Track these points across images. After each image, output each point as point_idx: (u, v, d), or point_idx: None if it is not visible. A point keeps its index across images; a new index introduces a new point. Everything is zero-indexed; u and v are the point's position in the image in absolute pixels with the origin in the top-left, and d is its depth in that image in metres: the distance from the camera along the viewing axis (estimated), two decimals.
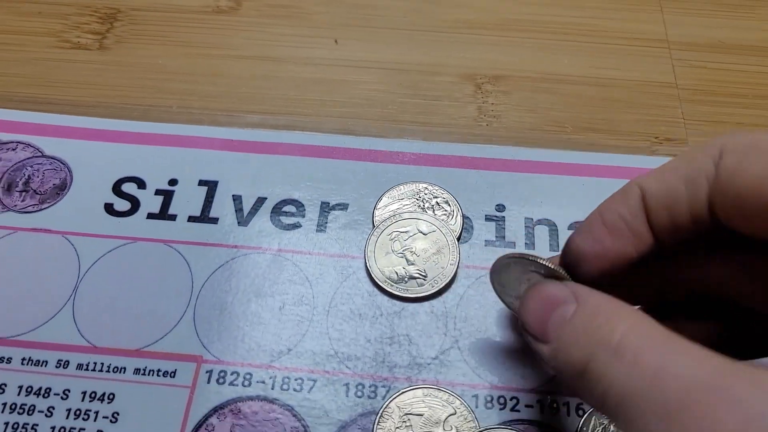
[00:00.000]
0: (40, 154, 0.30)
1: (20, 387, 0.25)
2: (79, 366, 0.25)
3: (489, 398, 0.25)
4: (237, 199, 0.29)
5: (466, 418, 0.24)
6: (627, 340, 0.16)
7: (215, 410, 0.24)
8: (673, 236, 0.20)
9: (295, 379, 0.25)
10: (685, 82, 0.34)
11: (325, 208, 0.29)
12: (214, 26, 0.35)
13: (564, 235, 0.28)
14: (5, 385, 0.25)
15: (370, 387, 0.25)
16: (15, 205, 0.29)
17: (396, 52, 0.35)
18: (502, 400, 0.25)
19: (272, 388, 0.25)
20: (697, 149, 0.19)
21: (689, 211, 0.19)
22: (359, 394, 0.25)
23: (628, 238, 0.20)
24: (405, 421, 0.24)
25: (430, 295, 0.27)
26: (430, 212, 0.29)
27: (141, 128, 0.31)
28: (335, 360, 0.25)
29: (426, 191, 0.29)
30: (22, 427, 0.24)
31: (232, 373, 0.25)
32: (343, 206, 0.29)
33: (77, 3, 0.36)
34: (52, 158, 0.30)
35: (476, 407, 0.24)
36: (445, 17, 0.36)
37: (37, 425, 0.24)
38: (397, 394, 0.24)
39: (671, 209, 0.19)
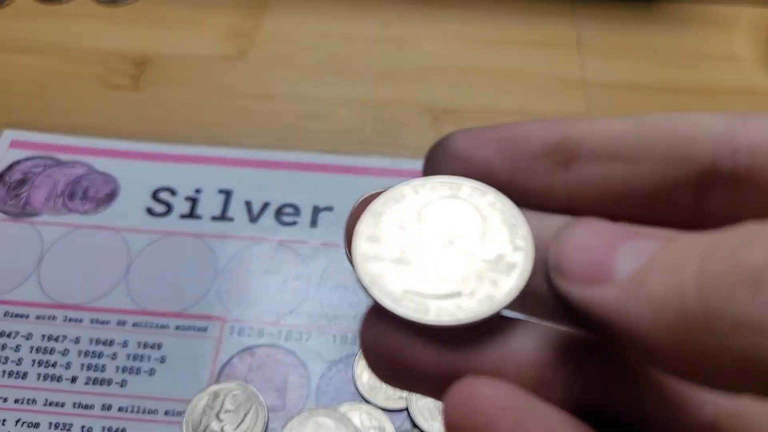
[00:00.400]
0: (94, 170, 0.39)
1: (91, 339, 0.33)
2: (134, 324, 0.33)
3: None
4: (248, 204, 0.38)
5: None
6: None
7: (237, 354, 0.33)
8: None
9: (296, 332, 0.34)
10: (598, 113, 0.43)
11: (317, 210, 0.38)
12: (225, 70, 0.45)
13: None
14: (80, 338, 0.33)
15: (351, 337, 0.34)
16: (77, 209, 0.37)
17: (369, 90, 0.44)
18: None
19: (279, 339, 0.33)
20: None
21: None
22: (343, 342, 0.33)
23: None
24: None
25: None
26: None
27: (172, 150, 0.40)
28: (325, 319, 0.34)
29: None
30: (95, 367, 0.32)
31: (248, 328, 0.34)
32: (330, 208, 0.38)
33: (115, 52, 0.45)
34: (103, 173, 0.39)
35: None
36: (407, 63, 0.46)
37: (105, 365, 0.32)
38: None
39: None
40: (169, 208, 0.38)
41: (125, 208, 0.38)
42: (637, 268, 0.12)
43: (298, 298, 0.35)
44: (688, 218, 0.15)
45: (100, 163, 0.39)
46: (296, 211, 0.38)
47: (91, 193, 0.38)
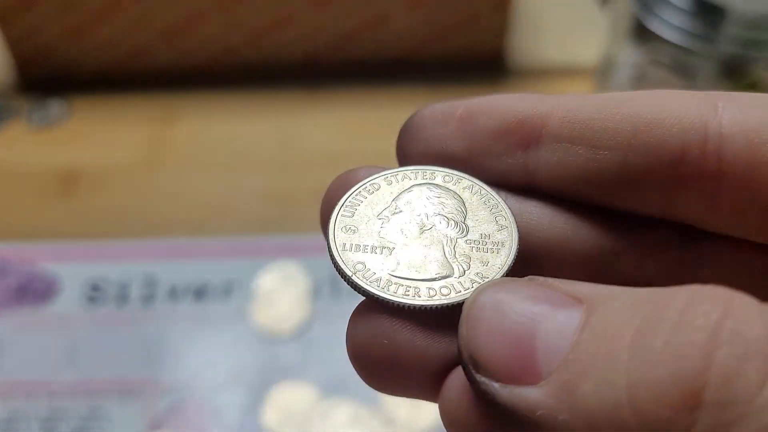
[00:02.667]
0: (35, 271, 0.46)
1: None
2: (75, 396, 0.41)
3: None
4: (172, 287, 0.46)
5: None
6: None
7: (166, 412, 0.40)
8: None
9: (215, 388, 0.41)
10: None
11: (229, 284, 0.46)
12: (144, 175, 0.53)
13: None
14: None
15: (260, 384, 0.41)
16: (24, 304, 0.45)
17: (269, 180, 0.52)
18: None
19: (200, 393, 0.41)
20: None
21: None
22: (257, 391, 0.41)
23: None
24: None
25: None
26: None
27: (103, 246, 0.48)
28: (242, 374, 0.42)
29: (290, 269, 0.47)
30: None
31: (176, 390, 0.41)
32: (240, 282, 0.46)
33: (48, 168, 0.53)
34: (43, 274, 0.46)
35: None
36: (299, 153, 0.54)
37: None
38: None
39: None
40: (105, 298, 0.45)
41: (65, 302, 0.45)
42: (563, 361, 0.11)
43: (217, 359, 0.42)
44: (656, 212, 0.14)
45: (41, 265, 0.47)
46: (213, 287, 0.46)
47: (34, 290, 0.45)
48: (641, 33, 0.52)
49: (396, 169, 0.16)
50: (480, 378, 0.12)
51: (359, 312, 0.14)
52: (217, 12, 0.55)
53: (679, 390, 0.10)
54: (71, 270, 0.46)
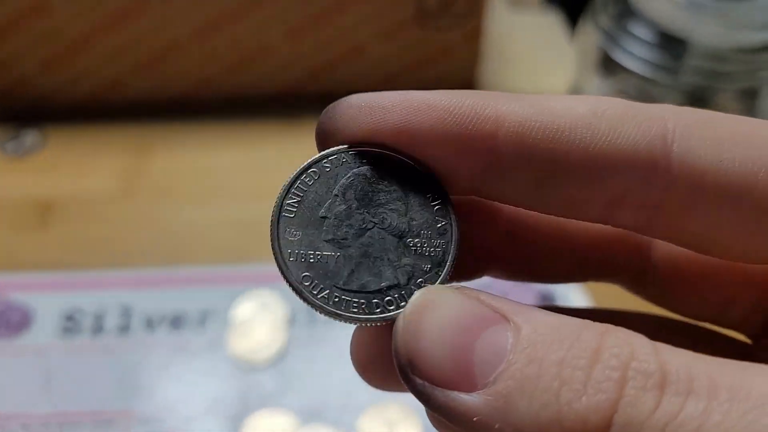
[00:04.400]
0: (8, 301, 0.46)
1: None
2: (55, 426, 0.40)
3: None
4: (148, 316, 0.46)
5: None
6: (673, 365, 0.12)
7: None
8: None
9: (191, 416, 0.41)
10: None
11: (204, 314, 0.46)
12: (120, 205, 0.53)
13: None
14: None
15: (236, 415, 0.41)
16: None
17: (241, 209, 0.53)
18: None
19: (177, 423, 0.41)
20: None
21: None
22: (234, 420, 0.41)
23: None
24: None
25: None
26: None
27: (77, 277, 0.47)
28: (218, 403, 0.42)
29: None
30: None
31: (153, 419, 0.41)
32: (215, 311, 0.46)
33: (22, 198, 0.53)
34: (17, 304, 0.46)
35: None
36: (272, 182, 0.55)
37: None
38: None
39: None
40: (80, 328, 0.45)
41: (40, 332, 0.45)
42: (500, 375, 0.13)
43: (194, 389, 0.42)
44: (595, 220, 0.16)
45: (15, 295, 0.46)
46: (189, 316, 0.46)
47: (7, 321, 0.45)
48: (608, 64, 0.53)
49: (336, 149, 0.16)
50: (417, 380, 0.13)
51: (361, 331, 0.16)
52: (193, 44, 0.56)
53: (599, 416, 0.12)
54: (46, 300, 0.46)
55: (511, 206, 0.16)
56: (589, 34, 0.55)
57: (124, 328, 0.45)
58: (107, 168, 0.55)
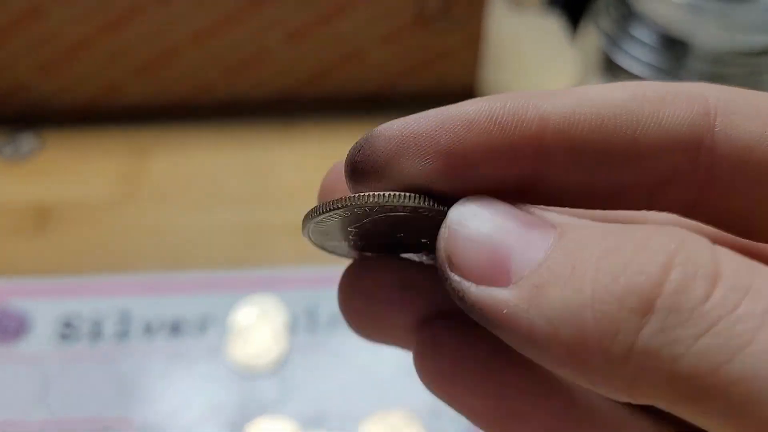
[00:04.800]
0: (5, 308, 0.45)
1: None
2: None
3: None
4: (147, 322, 0.45)
5: None
6: (729, 264, 0.11)
7: None
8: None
9: (191, 425, 0.41)
10: None
11: (204, 320, 0.45)
12: (118, 210, 0.52)
13: None
14: None
15: (240, 422, 0.41)
16: None
17: (242, 213, 0.52)
18: None
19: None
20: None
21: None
22: (234, 429, 0.40)
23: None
24: None
25: None
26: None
27: (76, 283, 0.47)
28: (218, 411, 0.41)
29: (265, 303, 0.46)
30: None
31: (153, 426, 0.40)
32: (215, 317, 0.46)
33: (19, 202, 0.52)
34: (13, 310, 0.45)
35: None
36: (273, 186, 0.54)
37: None
38: None
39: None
40: (78, 334, 0.44)
41: (37, 339, 0.44)
42: (535, 269, 0.12)
43: (193, 396, 0.42)
44: (640, 206, 0.15)
45: (12, 301, 0.46)
46: (188, 322, 0.45)
47: (4, 328, 0.44)
48: (610, 67, 0.53)
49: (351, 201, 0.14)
50: (453, 276, 0.13)
51: (349, 270, 0.16)
52: (191, 47, 0.55)
53: (637, 297, 0.11)
54: (43, 306, 0.46)
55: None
56: (591, 36, 0.55)
57: (123, 335, 0.44)
58: (105, 172, 0.55)
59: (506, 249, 0.13)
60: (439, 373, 0.15)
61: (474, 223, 0.13)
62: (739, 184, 0.14)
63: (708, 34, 0.49)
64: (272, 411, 0.41)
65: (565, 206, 0.15)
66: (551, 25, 0.67)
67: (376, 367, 0.42)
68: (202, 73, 0.57)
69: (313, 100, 0.59)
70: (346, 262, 0.17)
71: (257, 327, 0.45)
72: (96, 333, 0.44)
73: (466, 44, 0.57)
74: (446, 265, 0.13)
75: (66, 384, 0.42)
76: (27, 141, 0.56)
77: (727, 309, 0.11)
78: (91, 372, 0.42)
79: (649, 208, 0.15)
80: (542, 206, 0.14)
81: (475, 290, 0.13)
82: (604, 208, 0.15)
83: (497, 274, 0.12)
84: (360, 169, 0.15)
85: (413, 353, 0.15)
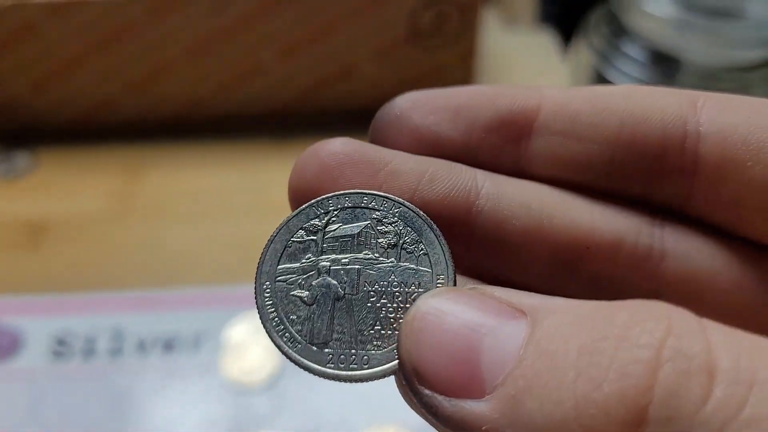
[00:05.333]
0: None
1: None
2: None
3: None
4: (140, 339, 0.45)
5: None
6: (725, 347, 0.10)
7: None
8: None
9: None
10: None
11: (198, 336, 0.45)
12: (112, 226, 0.52)
13: None
14: None
15: None
16: None
17: (235, 229, 0.52)
18: None
19: None
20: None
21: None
22: None
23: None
24: None
25: None
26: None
27: (69, 299, 0.47)
28: (215, 427, 0.41)
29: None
30: None
31: None
32: (208, 333, 0.46)
33: (14, 219, 0.52)
34: (6, 327, 0.45)
35: None
36: (265, 201, 0.55)
37: None
38: None
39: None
40: (71, 352, 0.44)
41: (30, 357, 0.44)
42: (510, 374, 0.11)
43: (187, 413, 0.42)
44: (637, 196, 0.15)
45: (5, 319, 0.46)
46: (182, 338, 0.45)
47: None
48: (601, 83, 0.53)
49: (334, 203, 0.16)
50: (423, 391, 0.12)
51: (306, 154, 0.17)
52: (184, 64, 0.56)
53: (626, 408, 0.10)
54: (36, 324, 0.45)
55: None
56: (583, 53, 0.55)
57: (116, 352, 0.44)
58: (99, 189, 0.55)
59: (476, 353, 0.11)
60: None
61: (438, 327, 0.12)
62: (726, 176, 0.14)
63: (698, 49, 0.49)
64: (266, 427, 0.41)
65: (557, 186, 0.15)
66: (543, 42, 0.67)
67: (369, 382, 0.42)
68: (196, 90, 0.58)
69: (307, 115, 0.59)
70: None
71: (251, 343, 0.45)
72: (89, 350, 0.44)
73: (459, 60, 0.57)
74: (414, 379, 0.12)
75: (59, 401, 0.42)
76: (21, 159, 0.56)
77: (731, 410, 0.09)
78: (84, 389, 0.42)
79: (646, 197, 0.15)
80: (511, 289, 0.13)
81: (448, 405, 0.12)
82: (602, 191, 0.15)
83: (470, 384, 0.11)
84: (378, 126, 0.17)
85: (395, 379, 0.15)
